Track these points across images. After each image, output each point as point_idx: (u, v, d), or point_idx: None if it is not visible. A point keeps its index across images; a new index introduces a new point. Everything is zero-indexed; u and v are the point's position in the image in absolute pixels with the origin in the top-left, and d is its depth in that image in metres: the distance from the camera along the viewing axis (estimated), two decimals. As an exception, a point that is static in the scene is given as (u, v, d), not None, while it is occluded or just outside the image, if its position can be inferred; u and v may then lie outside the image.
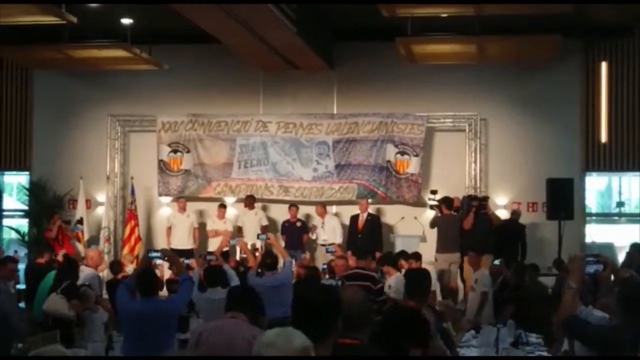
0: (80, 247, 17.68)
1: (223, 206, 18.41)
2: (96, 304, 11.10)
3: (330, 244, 17.06)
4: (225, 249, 15.89)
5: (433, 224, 16.84)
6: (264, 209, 18.88)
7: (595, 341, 5.86)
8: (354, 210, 17.91)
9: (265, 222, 18.22)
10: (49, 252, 15.23)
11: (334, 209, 18.79)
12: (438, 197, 17.26)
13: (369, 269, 11.56)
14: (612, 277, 8.71)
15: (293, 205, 18.15)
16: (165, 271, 13.63)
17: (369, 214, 17.74)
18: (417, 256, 13.93)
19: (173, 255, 9.78)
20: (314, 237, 17.82)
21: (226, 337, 6.79)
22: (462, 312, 13.36)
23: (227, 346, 6.66)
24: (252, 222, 18.00)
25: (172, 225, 18.19)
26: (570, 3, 12.77)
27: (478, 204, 16.47)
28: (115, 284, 12.35)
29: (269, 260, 11.87)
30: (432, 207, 17.27)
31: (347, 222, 17.94)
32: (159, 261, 14.19)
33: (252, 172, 18.98)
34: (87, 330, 10.42)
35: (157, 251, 10.45)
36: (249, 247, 15.99)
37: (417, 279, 7.53)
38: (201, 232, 18.35)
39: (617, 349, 5.60)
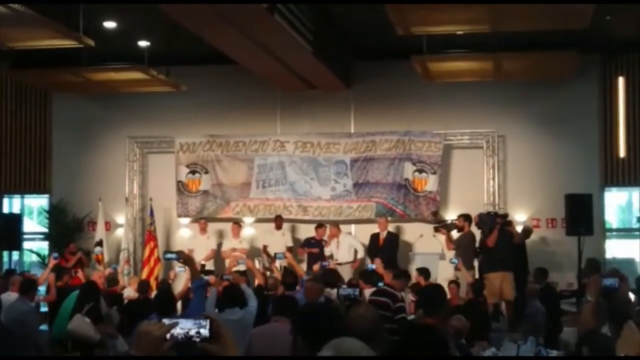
0: (100, 269, 17.69)
1: (238, 224, 18.41)
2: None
3: (345, 263, 17.06)
4: (235, 268, 15.87)
5: (458, 244, 16.65)
6: (293, 230, 18.88)
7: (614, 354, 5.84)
8: (373, 228, 17.86)
9: (290, 243, 18.18)
10: (67, 274, 15.32)
11: (352, 227, 18.77)
12: (453, 215, 17.24)
13: (396, 288, 11.54)
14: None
15: (321, 225, 18.10)
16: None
17: (389, 232, 17.72)
18: (425, 272, 14.03)
19: (189, 257, 9.76)
20: (327, 253, 17.71)
21: (271, 338, 7.25)
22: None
23: (272, 346, 7.12)
24: (278, 242, 17.98)
25: (193, 247, 18.02)
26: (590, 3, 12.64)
27: (502, 221, 16.41)
28: (135, 303, 12.42)
29: (289, 279, 11.86)
30: (437, 229, 17.02)
31: (365, 240, 17.89)
32: (178, 269, 14.24)
33: (271, 191, 19.01)
34: (108, 353, 10.42)
35: (173, 252, 10.41)
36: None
37: (433, 295, 7.46)
38: (218, 253, 18.36)
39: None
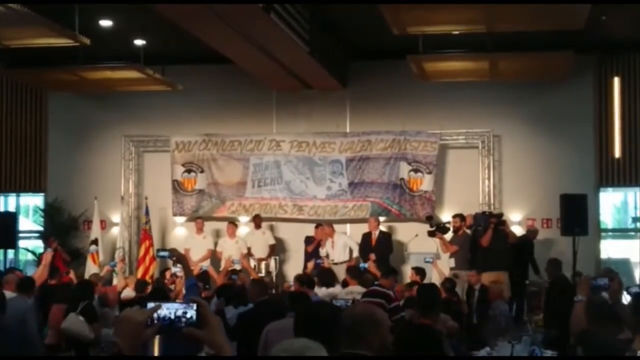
0: (94, 267, 17.67)
1: (233, 224, 18.37)
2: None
3: (341, 263, 17.08)
4: (230, 268, 15.89)
5: (459, 245, 16.65)
6: (272, 228, 18.90)
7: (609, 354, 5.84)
8: (368, 228, 17.86)
9: (272, 242, 18.27)
10: (58, 273, 15.34)
11: (347, 227, 18.77)
12: (448, 215, 17.25)
13: (387, 287, 11.56)
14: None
15: (320, 225, 18.03)
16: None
17: (381, 232, 17.70)
18: (422, 271, 14.07)
19: (182, 256, 9.74)
20: (323, 253, 17.67)
21: (286, 332, 7.15)
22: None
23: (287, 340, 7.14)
24: (259, 241, 18.04)
25: (189, 247, 17.93)
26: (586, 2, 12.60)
27: (497, 220, 16.45)
28: (132, 303, 12.40)
29: (303, 278, 11.95)
30: (432, 233, 17.01)
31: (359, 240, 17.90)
32: (174, 269, 14.25)
33: (266, 191, 19.00)
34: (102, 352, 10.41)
35: (165, 250, 10.39)
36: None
37: (429, 295, 7.47)
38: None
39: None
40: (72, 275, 15.44)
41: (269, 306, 9.39)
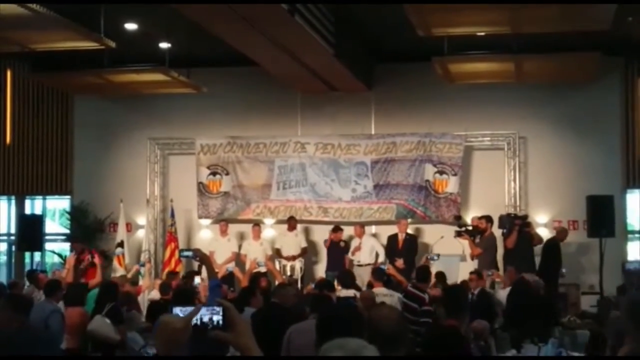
0: (121, 270, 17.73)
1: (258, 226, 18.42)
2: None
3: (366, 265, 17.05)
4: (255, 270, 15.89)
5: (484, 247, 16.59)
6: (306, 231, 18.89)
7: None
8: (394, 230, 17.85)
9: (304, 244, 18.25)
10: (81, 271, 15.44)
11: (373, 229, 18.74)
12: (475, 216, 17.20)
13: (422, 290, 11.58)
14: None
15: (338, 228, 18.08)
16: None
17: (408, 234, 17.68)
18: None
19: (205, 256, 9.73)
20: (354, 258, 17.67)
21: (308, 334, 7.11)
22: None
23: (310, 342, 7.05)
24: (291, 243, 18.03)
25: (214, 249, 17.89)
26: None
27: (521, 222, 16.38)
28: (157, 304, 12.45)
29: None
30: (459, 233, 16.98)
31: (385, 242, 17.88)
32: (197, 280, 14.26)
33: (291, 193, 19.00)
34: (129, 354, 10.42)
35: (189, 250, 10.38)
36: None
37: (456, 296, 7.44)
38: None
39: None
40: (97, 259, 15.40)
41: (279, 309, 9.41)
